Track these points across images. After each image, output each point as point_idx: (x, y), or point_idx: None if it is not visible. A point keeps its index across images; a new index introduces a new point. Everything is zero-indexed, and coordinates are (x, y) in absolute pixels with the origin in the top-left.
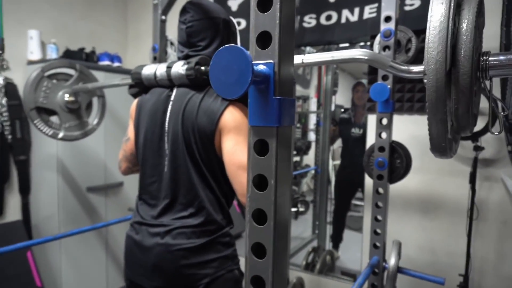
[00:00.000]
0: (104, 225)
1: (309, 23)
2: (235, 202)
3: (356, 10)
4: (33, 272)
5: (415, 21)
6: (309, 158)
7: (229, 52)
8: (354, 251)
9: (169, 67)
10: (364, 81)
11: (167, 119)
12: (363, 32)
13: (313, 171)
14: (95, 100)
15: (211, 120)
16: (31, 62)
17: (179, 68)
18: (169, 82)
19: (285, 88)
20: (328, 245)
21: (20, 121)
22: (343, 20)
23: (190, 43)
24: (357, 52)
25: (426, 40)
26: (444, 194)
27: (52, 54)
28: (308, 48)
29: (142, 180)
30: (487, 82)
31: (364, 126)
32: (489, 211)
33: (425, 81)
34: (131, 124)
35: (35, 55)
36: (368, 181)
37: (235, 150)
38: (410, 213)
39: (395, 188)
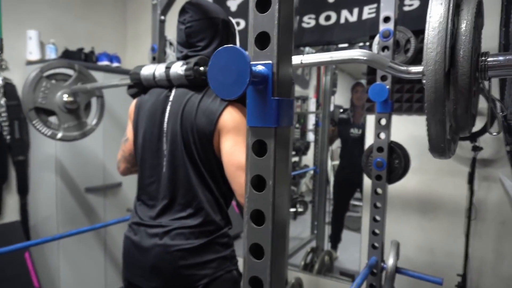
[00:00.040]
0: (103, 226)
1: (308, 23)
2: (233, 203)
3: (355, 10)
4: (31, 273)
5: (414, 21)
6: (308, 159)
7: (228, 53)
8: (353, 252)
9: (168, 68)
10: (363, 81)
11: (165, 119)
12: (362, 32)
13: (312, 172)
14: (94, 101)
15: (210, 121)
16: (30, 63)
17: (178, 68)
18: (168, 83)
19: (284, 89)
20: (327, 246)
21: (19, 122)
22: (342, 21)
23: (189, 44)
24: (356, 53)
25: (425, 40)
26: (442, 195)
27: (51, 54)
28: (307, 48)
29: (140, 180)
30: (486, 83)
31: (363, 127)
32: (488, 211)
33: (424, 81)
34: (130, 124)
35: (34, 55)
36: (367, 182)
37: (234, 150)
38: (408, 214)
39: (393, 188)
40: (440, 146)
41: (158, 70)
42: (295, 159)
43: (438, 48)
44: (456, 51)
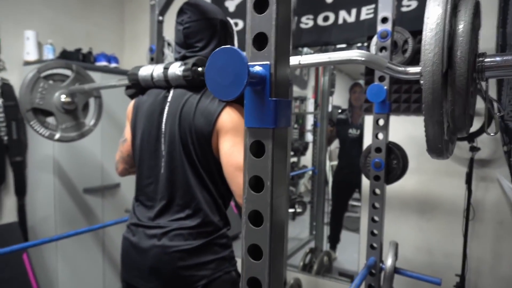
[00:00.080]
0: (101, 227)
1: (306, 24)
2: (232, 203)
3: (353, 11)
4: (29, 274)
5: (412, 22)
6: (307, 159)
7: (225, 54)
8: (352, 252)
9: (166, 68)
10: (361, 82)
11: (164, 120)
12: (360, 33)
13: (310, 172)
14: (91, 101)
15: (208, 121)
16: (27, 63)
17: (176, 69)
18: (166, 83)
19: (281, 90)
20: (326, 246)
21: (16, 122)
22: (340, 21)
23: (187, 44)
24: (354, 53)
25: (423, 41)
26: (440, 195)
27: (48, 54)
28: (305, 49)
29: (138, 181)
30: (483, 83)
31: (361, 127)
32: (485, 212)
33: (421, 82)
34: (128, 125)
35: (32, 55)
36: (365, 182)
37: (232, 151)
38: (407, 214)
39: (392, 188)
40: (437, 147)
41: (156, 70)
42: (294, 159)
43: (435, 49)
44: (454, 52)
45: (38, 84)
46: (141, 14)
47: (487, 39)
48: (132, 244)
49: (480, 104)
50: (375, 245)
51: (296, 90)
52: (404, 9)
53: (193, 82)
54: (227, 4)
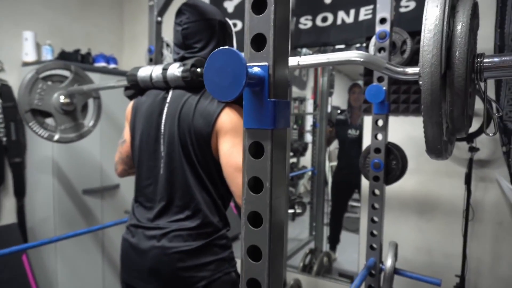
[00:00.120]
0: (100, 228)
1: (305, 24)
2: (232, 204)
3: (352, 11)
4: (29, 275)
5: (410, 22)
6: (306, 160)
7: (223, 55)
8: (351, 253)
9: (164, 69)
10: (360, 82)
11: (163, 121)
12: (359, 33)
13: (310, 173)
14: (90, 102)
15: (208, 122)
16: (26, 64)
17: (175, 70)
18: (165, 84)
19: (280, 90)
20: (325, 247)
21: (15, 123)
22: (338, 22)
23: (186, 45)
24: (353, 54)
25: (421, 43)
26: (440, 195)
27: (47, 55)
28: (304, 49)
29: (138, 182)
30: (482, 84)
31: (360, 127)
32: (485, 212)
33: (420, 83)
34: (127, 126)
35: (30, 56)
36: (365, 183)
37: (232, 152)
38: (406, 214)
39: (391, 189)
40: (437, 148)
41: (155, 71)
42: (293, 160)
43: (434, 50)
44: (452, 53)
45: (37, 85)
46: (140, 15)
47: (485, 39)
48: (131, 245)
49: (479, 105)
50: (374, 245)
51: (295, 91)
52: (402, 9)
53: (192, 83)
54: (225, 4)
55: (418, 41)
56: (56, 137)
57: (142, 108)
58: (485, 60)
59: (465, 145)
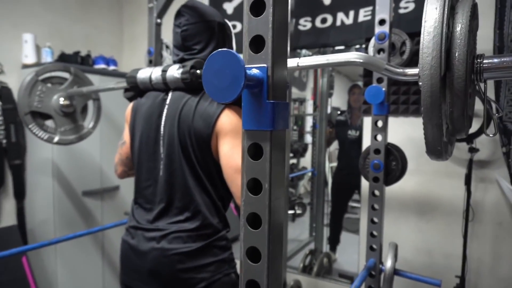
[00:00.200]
0: (100, 229)
1: (304, 26)
2: (232, 205)
3: (351, 13)
4: (29, 277)
5: (410, 24)
6: (306, 160)
7: (222, 56)
8: (351, 253)
9: (164, 71)
10: (360, 83)
11: (162, 122)
12: (358, 35)
13: (310, 174)
14: (90, 104)
15: (208, 124)
16: (25, 66)
17: (174, 71)
18: (165, 86)
19: (279, 92)
20: (326, 248)
21: (15, 125)
22: (338, 23)
23: (185, 47)
24: (352, 55)
25: (421, 45)
26: (440, 196)
27: (47, 57)
28: (303, 51)
29: (137, 184)
30: (482, 85)
31: (360, 128)
32: (485, 213)
33: (420, 84)
34: (127, 127)
35: (30, 58)
36: (365, 183)
37: (232, 153)
38: (406, 215)
39: (391, 190)
40: (437, 149)
41: (155, 73)
42: (293, 161)
43: (433, 52)
44: (452, 54)
45: (36, 87)
46: (139, 16)
47: (485, 40)
48: (131, 247)
49: (478, 105)
50: (374, 246)
51: (295, 92)
52: (401, 11)
53: (191, 85)
54: (225, 6)
55: (418, 42)
56: (56, 139)
57: (141, 109)
58: (484, 61)
59: (465, 146)
